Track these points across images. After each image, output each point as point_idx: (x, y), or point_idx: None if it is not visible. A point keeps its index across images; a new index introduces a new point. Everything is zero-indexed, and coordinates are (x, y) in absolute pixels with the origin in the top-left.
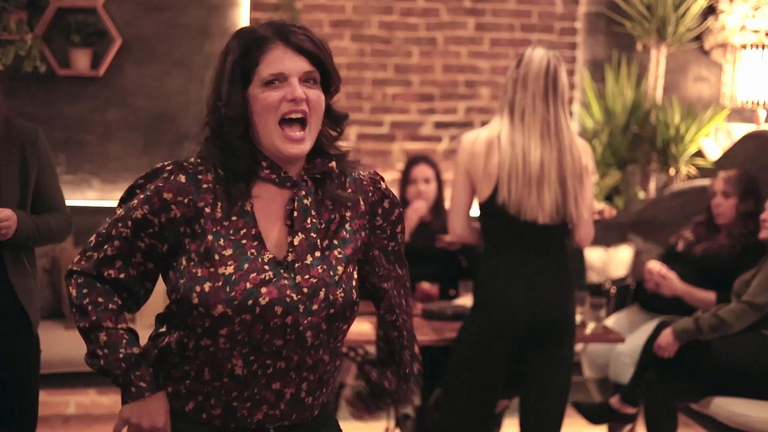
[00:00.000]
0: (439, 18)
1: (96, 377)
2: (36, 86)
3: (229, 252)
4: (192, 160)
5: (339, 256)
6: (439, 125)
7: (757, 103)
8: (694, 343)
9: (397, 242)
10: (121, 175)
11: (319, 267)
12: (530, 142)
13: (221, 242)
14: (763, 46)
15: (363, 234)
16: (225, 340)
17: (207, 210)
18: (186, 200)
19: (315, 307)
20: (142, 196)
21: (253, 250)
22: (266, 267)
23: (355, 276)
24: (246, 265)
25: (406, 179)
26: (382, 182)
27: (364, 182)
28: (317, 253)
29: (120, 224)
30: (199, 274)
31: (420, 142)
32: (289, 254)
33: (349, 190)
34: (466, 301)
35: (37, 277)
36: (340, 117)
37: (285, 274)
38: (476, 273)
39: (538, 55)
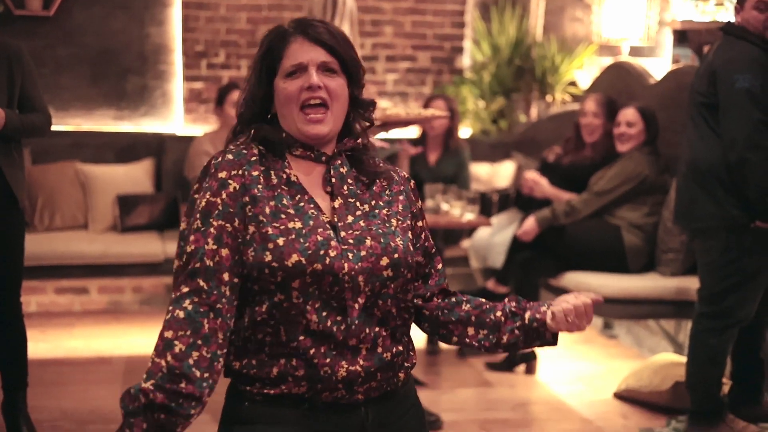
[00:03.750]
0: None
1: (52, 275)
2: None
3: (292, 211)
4: (232, 146)
5: (388, 212)
6: None
7: (621, 39)
8: (551, 229)
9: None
10: (71, 104)
11: (361, 222)
12: None
13: (284, 202)
14: None
15: (403, 199)
16: (298, 293)
17: (261, 179)
18: (240, 171)
19: (363, 253)
20: (203, 193)
21: (312, 211)
22: (327, 226)
23: (410, 235)
24: (311, 222)
25: None
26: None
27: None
28: (358, 212)
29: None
30: (270, 232)
31: None
32: (334, 217)
33: (381, 163)
34: None
35: (24, 167)
36: (365, 104)
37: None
38: None
39: None
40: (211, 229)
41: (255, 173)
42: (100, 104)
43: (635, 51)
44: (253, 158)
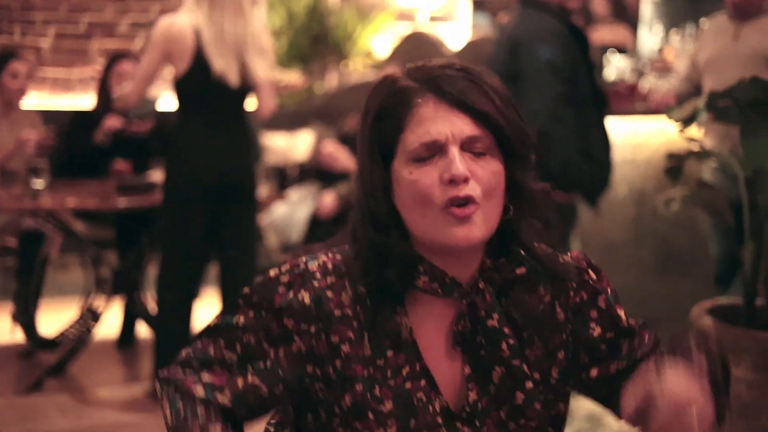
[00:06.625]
0: None
1: None
2: None
3: (389, 406)
4: (322, 260)
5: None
6: (134, 25)
7: (417, 7)
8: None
9: (619, 355)
10: None
11: (511, 423)
12: (224, 20)
13: (377, 392)
14: None
15: (561, 355)
16: None
17: (345, 348)
18: (313, 329)
19: None
20: (252, 314)
21: (421, 395)
22: (438, 420)
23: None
24: (413, 422)
25: (107, 75)
26: (589, 271)
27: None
28: (491, 383)
29: (223, 343)
30: None
31: (116, 41)
32: (467, 407)
33: (546, 298)
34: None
35: None
36: (538, 195)
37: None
38: (171, 141)
39: None
40: (248, 378)
41: (335, 339)
42: None
43: (434, 17)
44: (339, 312)
